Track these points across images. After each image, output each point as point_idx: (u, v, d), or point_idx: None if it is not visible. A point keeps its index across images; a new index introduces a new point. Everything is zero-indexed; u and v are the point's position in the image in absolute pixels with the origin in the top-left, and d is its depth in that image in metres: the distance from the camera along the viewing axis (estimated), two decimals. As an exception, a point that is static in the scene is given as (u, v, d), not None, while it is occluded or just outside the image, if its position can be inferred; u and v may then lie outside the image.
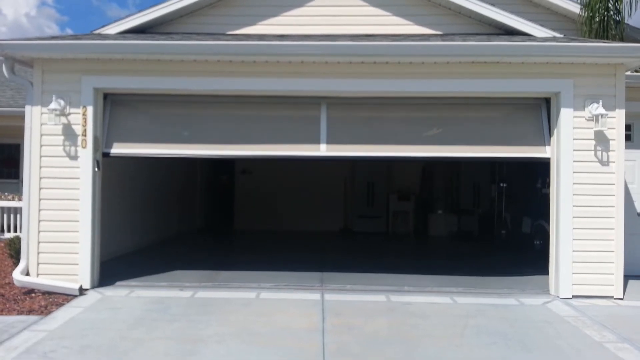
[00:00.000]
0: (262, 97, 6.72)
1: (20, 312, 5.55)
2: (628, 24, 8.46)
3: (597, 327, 5.29)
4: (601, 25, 8.05)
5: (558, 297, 6.34)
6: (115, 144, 6.67)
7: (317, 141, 6.63)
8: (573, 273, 6.34)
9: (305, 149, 6.64)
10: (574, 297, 6.30)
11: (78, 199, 6.43)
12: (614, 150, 6.38)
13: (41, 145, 6.48)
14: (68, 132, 6.47)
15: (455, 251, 10.69)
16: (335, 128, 6.66)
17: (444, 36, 6.99)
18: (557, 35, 6.80)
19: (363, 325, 5.26)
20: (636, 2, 8.24)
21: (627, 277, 6.67)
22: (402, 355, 4.49)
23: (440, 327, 5.25)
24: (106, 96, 6.68)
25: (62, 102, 6.39)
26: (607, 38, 7.93)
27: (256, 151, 6.69)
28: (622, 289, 6.35)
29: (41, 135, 6.48)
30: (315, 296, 6.28)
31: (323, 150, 6.62)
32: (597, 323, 5.41)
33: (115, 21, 7.15)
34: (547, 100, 6.63)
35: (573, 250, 6.34)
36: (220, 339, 4.79)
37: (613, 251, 6.33)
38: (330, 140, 6.63)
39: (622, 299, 6.29)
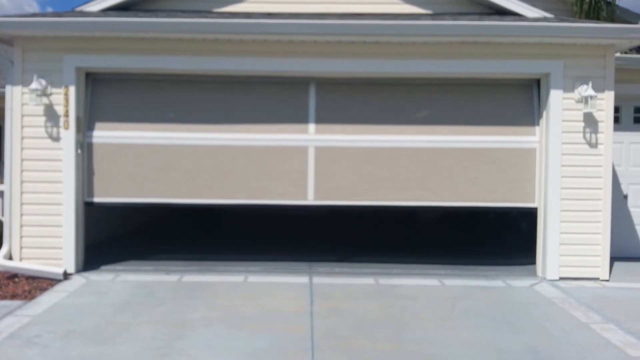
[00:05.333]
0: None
1: (3, 297, 5.46)
2: (619, 6, 8.42)
3: (584, 308, 5.34)
4: (592, 6, 7.99)
5: (545, 279, 6.39)
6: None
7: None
8: (560, 255, 6.38)
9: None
10: (561, 279, 6.35)
11: (61, 182, 6.30)
12: (603, 132, 6.38)
13: (22, 127, 6.32)
14: (50, 113, 6.32)
15: (442, 233, 10.73)
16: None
17: (434, 15, 6.88)
18: (548, 15, 6.73)
19: (352, 308, 5.25)
20: (627, -17, 8.19)
21: (614, 259, 6.75)
22: (391, 337, 4.49)
23: (428, 309, 5.25)
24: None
25: (44, 82, 6.22)
26: (598, 19, 7.88)
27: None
28: (609, 270, 6.41)
29: (22, 116, 6.31)
30: (303, 279, 6.25)
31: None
32: (584, 304, 5.45)
33: (97, -2, 6.93)
34: (538, 82, 6.60)
35: (560, 232, 6.37)
36: (207, 323, 4.75)
37: (600, 233, 6.37)
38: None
39: (608, 280, 6.36)
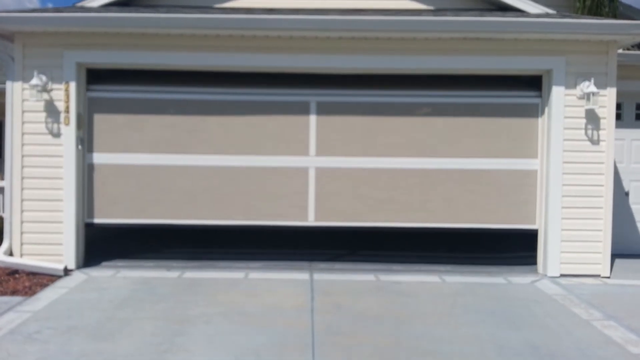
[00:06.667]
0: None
1: (4, 293, 5.46)
2: (621, 2, 8.39)
3: (585, 305, 5.33)
4: (594, 2, 7.96)
5: (546, 275, 6.38)
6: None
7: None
8: (561, 252, 6.37)
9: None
10: (562, 275, 6.34)
11: (62, 178, 6.30)
12: (605, 129, 6.36)
13: (23, 122, 6.31)
14: (50, 109, 6.31)
15: (442, 231, 10.68)
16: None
17: (435, 11, 6.87)
18: (550, 11, 6.70)
19: (352, 304, 5.24)
20: (629, -21, 8.16)
21: (615, 256, 6.74)
22: (391, 334, 4.48)
23: (429, 305, 5.25)
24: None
25: (44, 78, 6.21)
26: (600, 15, 7.85)
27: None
28: (609, 267, 6.41)
29: (23, 112, 6.30)
30: (304, 276, 6.25)
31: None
32: (585, 301, 5.45)
33: (98, -7, 6.91)
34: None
35: (562, 229, 6.36)
36: (208, 319, 4.75)
37: (601, 230, 6.36)
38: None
39: (609, 277, 6.35)
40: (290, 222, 6.61)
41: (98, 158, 6.51)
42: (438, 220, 6.61)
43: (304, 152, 6.58)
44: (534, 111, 6.57)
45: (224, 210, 6.58)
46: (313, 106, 6.59)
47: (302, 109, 6.58)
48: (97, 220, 6.55)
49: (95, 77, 6.59)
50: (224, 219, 6.60)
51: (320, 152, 6.58)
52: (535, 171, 6.57)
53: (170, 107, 6.57)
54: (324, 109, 6.58)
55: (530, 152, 6.57)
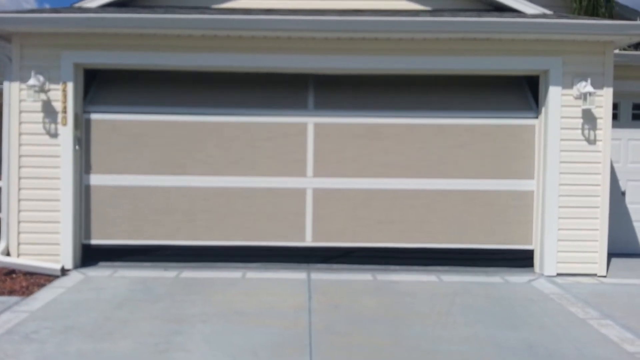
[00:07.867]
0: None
1: (1, 293, 5.45)
2: (617, 2, 8.44)
3: (581, 304, 5.35)
4: (590, 2, 8.00)
5: (543, 275, 6.40)
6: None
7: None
8: (558, 251, 6.39)
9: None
10: (559, 275, 6.36)
11: (59, 178, 6.30)
12: (601, 129, 6.39)
13: (20, 123, 6.31)
14: (48, 109, 6.31)
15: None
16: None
17: (433, 12, 6.89)
18: (547, 12, 6.74)
19: (350, 303, 5.25)
20: (626, -20, 8.21)
21: (611, 255, 6.76)
22: (389, 333, 4.49)
23: (426, 305, 5.26)
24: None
25: (42, 78, 6.21)
26: (597, 16, 7.89)
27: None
28: (606, 267, 6.43)
29: (20, 112, 6.30)
30: (301, 275, 6.26)
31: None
32: (581, 300, 5.47)
33: (95, -6, 6.91)
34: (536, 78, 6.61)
35: (558, 229, 6.38)
36: (205, 318, 4.75)
37: (597, 229, 6.39)
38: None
39: (605, 276, 6.37)
40: (288, 242, 6.63)
41: (95, 179, 6.51)
42: (435, 241, 6.64)
43: (302, 173, 6.59)
44: (531, 132, 6.59)
45: (221, 231, 6.61)
46: (310, 127, 6.59)
47: (300, 130, 6.59)
48: (94, 241, 6.55)
49: (92, 89, 6.59)
50: (222, 239, 6.63)
51: (317, 173, 6.59)
52: (532, 191, 6.58)
53: (168, 128, 6.55)
54: (321, 130, 6.59)
55: (527, 172, 6.59)
